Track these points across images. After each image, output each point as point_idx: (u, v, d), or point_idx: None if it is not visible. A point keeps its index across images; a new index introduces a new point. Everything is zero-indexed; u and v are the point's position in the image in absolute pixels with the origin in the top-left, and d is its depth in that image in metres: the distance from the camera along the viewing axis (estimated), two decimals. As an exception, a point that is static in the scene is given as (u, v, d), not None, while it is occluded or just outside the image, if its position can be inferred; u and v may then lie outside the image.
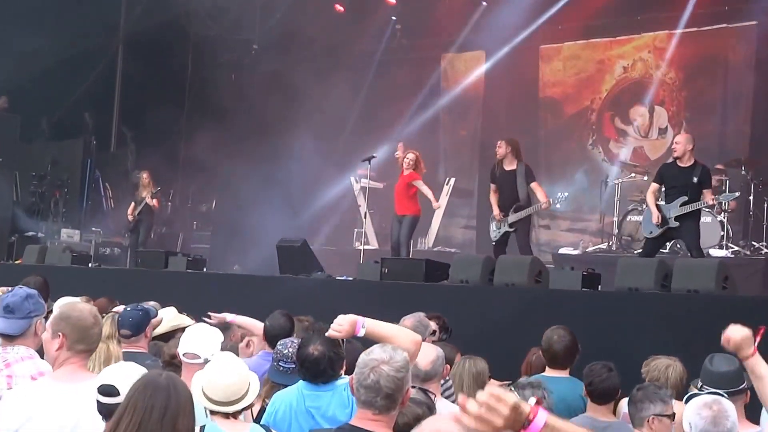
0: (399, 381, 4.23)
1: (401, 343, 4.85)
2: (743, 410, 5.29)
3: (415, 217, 14.29)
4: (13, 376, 4.86)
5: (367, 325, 5.06)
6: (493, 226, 13.31)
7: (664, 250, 13.52)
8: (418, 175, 14.25)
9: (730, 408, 4.70)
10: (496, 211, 13.25)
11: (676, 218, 11.54)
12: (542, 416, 2.81)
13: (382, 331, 5.05)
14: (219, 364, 5.14)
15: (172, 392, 3.79)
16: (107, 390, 4.21)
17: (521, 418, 2.79)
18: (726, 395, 5.06)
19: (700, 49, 17.92)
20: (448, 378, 6.71)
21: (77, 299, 6.34)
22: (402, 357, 4.32)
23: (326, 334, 5.25)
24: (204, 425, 4.87)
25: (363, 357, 4.36)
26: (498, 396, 2.81)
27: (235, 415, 5.01)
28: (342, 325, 5.10)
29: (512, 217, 13.06)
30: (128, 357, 6.51)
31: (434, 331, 8.12)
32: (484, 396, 2.81)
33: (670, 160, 11.95)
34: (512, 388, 5.01)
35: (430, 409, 4.85)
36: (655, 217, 11.70)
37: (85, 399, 4.45)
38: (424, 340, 6.33)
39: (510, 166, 13.19)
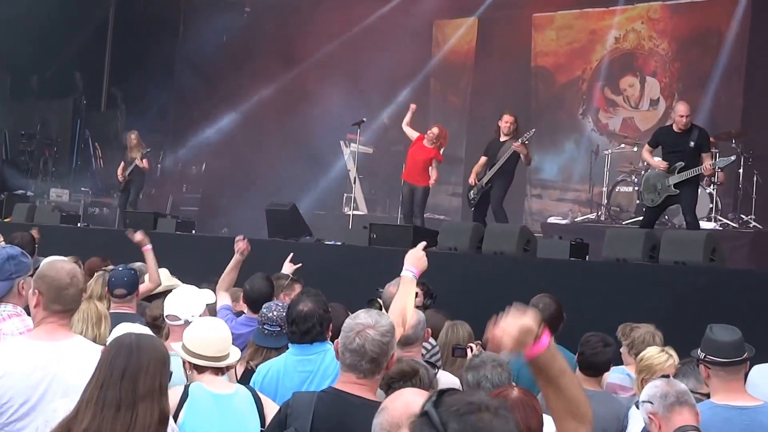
0: (384, 345, 4.25)
1: (396, 315, 4.91)
2: (743, 379, 5.32)
3: (427, 188, 14.44)
4: (1, 334, 4.85)
5: (410, 277, 5.20)
6: (471, 193, 13.43)
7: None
8: (440, 155, 14.33)
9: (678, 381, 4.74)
10: (472, 177, 13.44)
11: (675, 185, 11.51)
12: (546, 338, 3.09)
13: (402, 294, 5.13)
14: (203, 321, 5.22)
15: (134, 352, 3.76)
16: None
17: (530, 340, 3.07)
18: (728, 364, 5.07)
19: (694, 20, 17.89)
20: (435, 344, 6.74)
21: (65, 258, 6.33)
22: (387, 322, 4.34)
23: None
24: (189, 384, 4.89)
25: (348, 321, 4.36)
26: (528, 329, 3.06)
27: (222, 371, 5.05)
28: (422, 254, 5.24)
29: (486, 176, 13.16)
30: (119, 317, 6.53)
31: (416, 294, 8.15)
32: (514, 330, 3.06)
33: (667, 123, 11.88)
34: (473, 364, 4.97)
35: (412, 368, 4.87)
36: (662, 165, 11.60)
37: (62, 357, 4.45)
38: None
39: (505, 138, 13.24)
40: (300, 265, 8.95)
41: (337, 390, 4.30)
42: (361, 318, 4.34)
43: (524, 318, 3.09)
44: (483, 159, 13.49)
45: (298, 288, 8.01)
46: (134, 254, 9.07)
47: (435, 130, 14.32)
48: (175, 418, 4.67)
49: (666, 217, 14.20)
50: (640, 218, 13.30)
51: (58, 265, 4.86)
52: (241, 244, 8.25)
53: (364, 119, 15.48)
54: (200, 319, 5.32)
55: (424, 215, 17.77)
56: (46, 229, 14.39)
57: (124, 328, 4.62)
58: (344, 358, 4.29)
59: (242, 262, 8.19)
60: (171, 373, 3.88)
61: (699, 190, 12.13)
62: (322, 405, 4.24)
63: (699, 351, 5.27)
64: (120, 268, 7.20)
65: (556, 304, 6.99)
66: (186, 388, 4.84)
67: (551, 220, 17.33)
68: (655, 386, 4.66)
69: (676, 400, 4.60)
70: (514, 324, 3.08)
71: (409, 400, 3.02)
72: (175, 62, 23.08)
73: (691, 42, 17.89)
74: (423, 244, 5.39)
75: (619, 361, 6.76)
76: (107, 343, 4.00)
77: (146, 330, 4.67)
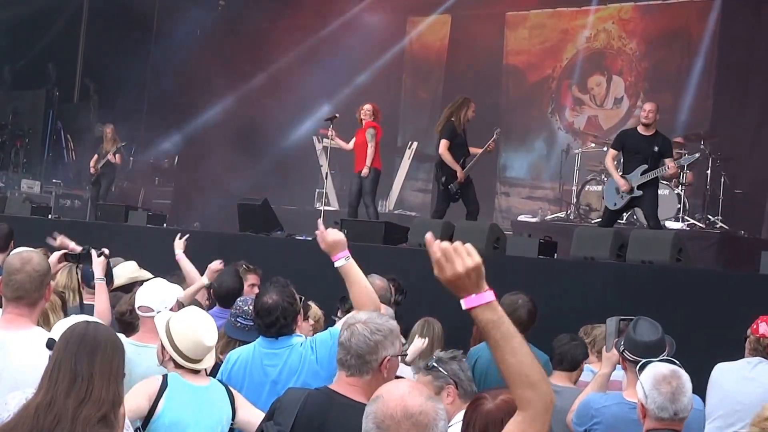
0: (371, 342, 4.18)
1: (363, 299, 4.92)
2: None
3: (376, 170, 14.03)
4: None
5: (349, 261, 5.02)
6: (453, 187, 13.07)
7: (621, 221, 13.62)
8: (375, 124, 14.13)
9: (687, 382, 4.71)
10: (460, 172, 12.97)
11: (639, 187, 11.62)
12: (491, 295, 3.03)
13: (356, 277, 5.00)
14: (203, 321, 5.13)
15: (89, 333, 3.74)
16: (49, 344, 4.19)
17: (475, 283, 3.01)
18: (642, 362, 5.14)
19: (664, 21, 17.97)
20: (404, 341, 6.80)
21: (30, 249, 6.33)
22: (383, 321, 4.29)
23: (318, 221, 5.22)
24: (166, 374, 4.93)
25: (348, 315, 4.40)
26: (468, 250, 3.01)
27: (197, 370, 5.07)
28: (330, 233, 5.06)
29: (466, 171, 13.06)
30: (92, 309, 6.52)
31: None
32: (457, 243, 3.01)
33: (629, 126, 11.94)
34: (436, 364, 5.01)
35: None
36: (623, 184, 11.57)
37: (14, 348, 4.45)
38: (386, 303, 6.42)
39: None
40: (188, 235, 8.90)
41: (328, 389, 4.28)
42: (360, 314, 4.36)
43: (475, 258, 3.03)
44: (448, 143, 13.06)
45: (252, 278, 7.98)
46: (104, 248, 9.05)
47: (369, 107, 14.12)
48: (155, 405, 4.72)
49: (635, 217, 14.30)
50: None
51: (20, 252, 4.87)
52: (215, 269, 7.98)
53: (337, 115, 15.43)
54: (197, 316, 5.21)
55: (395, 211, 17.71)
56: (17, 220, 14.35)
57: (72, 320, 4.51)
58: (337, 352, 4.30)
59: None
60: (124, 375, 3.86)
61: (661, 192, 12.27)
62: (310, 403, 4.21)
63: (621, 343, 5.36)
64: None
65: (531, 302, 7.05)
66: (165, 377, 4.88)
67: (521, 218, 17.37)
68: (661, 393, 4.62)
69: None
70: (467, 254, 3.02)
71: (405, 392, 3.01)
72: (149, 54, 22.99)
73: (660, 42, 17.98)
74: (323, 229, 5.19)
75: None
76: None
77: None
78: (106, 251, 6.67)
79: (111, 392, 3.67)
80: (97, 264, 6.55)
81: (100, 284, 6.46)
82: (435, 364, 4.94)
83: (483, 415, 3.74)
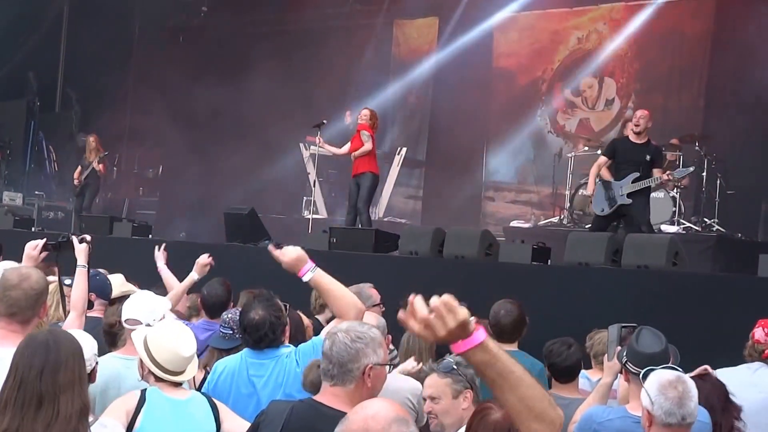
0: (352, 350, 4.13)
1: (342, 305, 4.87)
2: None
3: (373, 176, 13.73)
4: None
5: (316, 273, 4.97)
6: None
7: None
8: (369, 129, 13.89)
9: (692, 387, 4.66)
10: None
11: (628, 195, 11.50)
12: (482, 334, 2.86)
13: (328, 285, 4.97)
14: (178, 333, 5.05)
15: (51, 347, 3.78)
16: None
17: (463, 334, 2.83)
18: (645, 370, 4.99)
19: (657, 22, 17.83)
20: (393, 348, 6.65)
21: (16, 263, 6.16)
22: (364, 329, 4.23)
23: (269, 247, 5.20)
24: (145, 389, 4.84)
25: (330, 325, 4.44)
26: (450, 306, 2.82)
27: (179, 383, 4.99)
28: (286, 253, 5.03)
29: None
30: (93, 322, 6.37)
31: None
32: (436, 302, 2.82)
33: (623, 136, 11.93)
34: (455, 367, 4.83)
35: None
36: (589, 189, 11.86)
37: (7, 364, 4.33)
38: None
39: None
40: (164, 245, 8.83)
41: (312, 401, 4.24)
42: (342, 324, 4.33)
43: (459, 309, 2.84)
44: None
45: None
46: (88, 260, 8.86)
47: (366, 111, 13.84)
48: (133, 422, 4.64)
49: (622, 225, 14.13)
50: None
51: (19, 268, 4.92)
52: (204, 262, 8.05)
53: (325, 121, 15.26)
54: (174, 327, 5.14)
55: (385, 218, 17.51)
56: (-1, 233, 14.18)
57: None
58: (321, 363, 4.25)
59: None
60: (96, 364, 4.01)
61: (655, 195, 12.21)
62: (295, 415, 4.18)
63: (624, 354, 5.20)
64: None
65: (519, 309, 6.92)
66: (143, 393, 4.78)
67: (514, 223, 17.24)
68: (668, 398, 4.59)
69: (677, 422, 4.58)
70: (447, 312, 2.83)
71: (369, 415, 2.91)
72: (131, 62, 22.84)
73: (652, 43, 17.89)
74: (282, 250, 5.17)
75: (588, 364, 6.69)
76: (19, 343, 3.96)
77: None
78: (87, 237, 6.50)
79: (77, 403, 3.75)
80: (80, 251, 6.36)
81: (81, 271, 6.28)
82: (455, 367, 4.83)
83: (491, 426, 3.70)
